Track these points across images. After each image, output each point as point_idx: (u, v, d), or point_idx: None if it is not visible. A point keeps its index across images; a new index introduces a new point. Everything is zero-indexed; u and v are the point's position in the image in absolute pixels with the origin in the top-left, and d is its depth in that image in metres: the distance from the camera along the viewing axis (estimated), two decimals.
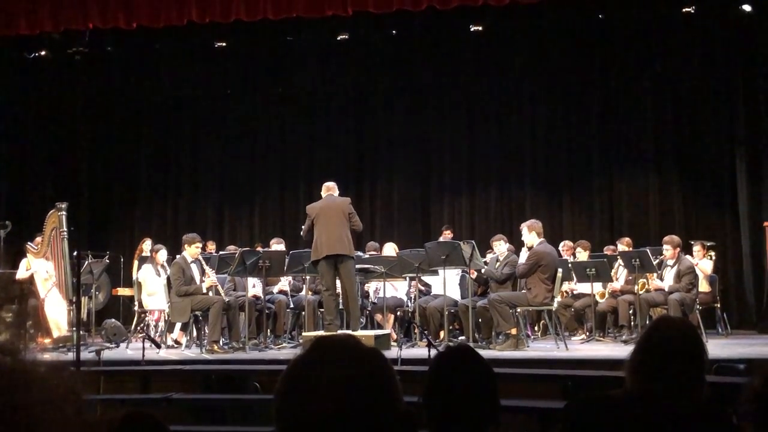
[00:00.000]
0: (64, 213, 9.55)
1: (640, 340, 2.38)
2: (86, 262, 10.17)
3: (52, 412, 0.90)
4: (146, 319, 10.27)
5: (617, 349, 8.24)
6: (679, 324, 2.49)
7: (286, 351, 8.98)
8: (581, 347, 8.91)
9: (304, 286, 9.85)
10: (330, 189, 8.86)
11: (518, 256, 9.34)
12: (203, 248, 10.04)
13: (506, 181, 12.69)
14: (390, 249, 10.45)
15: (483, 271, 9.36)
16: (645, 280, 9.36)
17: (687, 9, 10.91)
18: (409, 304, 9.88)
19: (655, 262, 9.04)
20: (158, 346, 8.89)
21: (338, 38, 11.80)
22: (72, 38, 10.86)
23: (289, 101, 13.23)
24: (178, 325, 9.77)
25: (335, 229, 8.46)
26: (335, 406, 1.18)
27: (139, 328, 10.28)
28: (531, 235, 8.83)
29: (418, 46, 12.45)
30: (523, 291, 8.85)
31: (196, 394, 7.25)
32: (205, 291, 9.17)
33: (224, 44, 12.09)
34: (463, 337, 9.13)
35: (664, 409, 2.22)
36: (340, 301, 8.79)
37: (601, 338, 9.56)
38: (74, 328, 7.96)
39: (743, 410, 1.91)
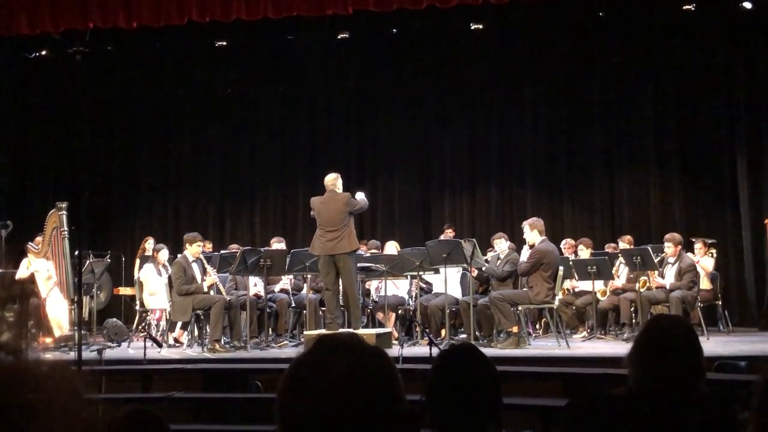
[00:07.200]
0: (64, 212, 9.54)
1: (638, 338, 2.40)
2: (87, 262, 10.17)
3: (54, 412, 0.90)
4: (148, 318, 10.28)
5: (618, 347, 8.22)
6: (674, 320, 2.62)
7: (287, 350, 8.99)
8: (582, 345, 8.91)
9: (305, 284, 9.85)
10: (331, 184, 8.81)
11: (519, 254, 9.34)
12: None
13: (507, 179, 12.67)
14: (391, 247, 10.44)
15: (484, 269, 9.36)
16: (646, 277, 9.36)
17: (687, 6, 10.89)
18: (411, 303, 9.89)
19: (656, 260, 9.04)
20: (160, 346, 8.90)
21: (339, 37, 11.78)
22: (72, 38, 10.85)
23: (289, 100, 13.22)
24: (180, 324, 9.77)
25: (332, 229, 8.46)
26: (338, 405, 1.18)
27: (140, 327, 10.29)
28: (533, 233, 8.81)
29: (418, 45, 12.44)
30: (524, 289, 8.85)
31: (197, 393, 7.25)
32: (206, 290, 9.18)
33: (225, 43, 12.08)
34: (464, 335, 9.13)
35: (666, 407, 2.22)
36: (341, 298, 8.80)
37: (603, 336, 9.56)
38: (76, 328, 7.96)
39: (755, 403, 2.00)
